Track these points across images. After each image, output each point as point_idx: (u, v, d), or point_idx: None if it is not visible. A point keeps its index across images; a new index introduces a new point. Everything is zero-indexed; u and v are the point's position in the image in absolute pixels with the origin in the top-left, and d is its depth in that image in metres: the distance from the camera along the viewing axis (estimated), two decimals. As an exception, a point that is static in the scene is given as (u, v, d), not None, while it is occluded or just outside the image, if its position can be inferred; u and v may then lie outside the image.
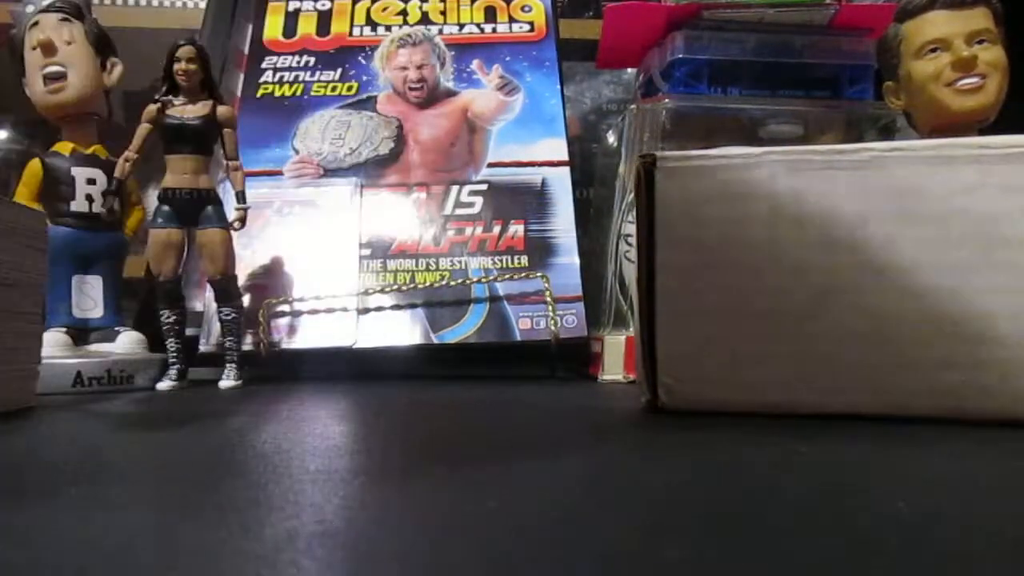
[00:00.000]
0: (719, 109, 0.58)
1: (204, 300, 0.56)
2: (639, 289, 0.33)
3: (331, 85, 0.65)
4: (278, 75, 0.66)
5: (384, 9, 0.69)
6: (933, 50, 0.49)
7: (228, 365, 0.50)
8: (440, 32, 0.68)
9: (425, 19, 0.69)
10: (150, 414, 0.37)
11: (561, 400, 0.42)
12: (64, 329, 0.49)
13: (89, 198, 0.51)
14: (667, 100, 0.57)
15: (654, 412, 0.33)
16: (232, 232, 0.50)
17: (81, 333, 0.50)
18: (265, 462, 0.22)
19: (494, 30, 0.68)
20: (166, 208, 0.49)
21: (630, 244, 0.52)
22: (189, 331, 0.52)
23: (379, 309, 0.56)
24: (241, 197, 0.51)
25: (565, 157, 0.61)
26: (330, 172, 0.61)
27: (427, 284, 0.56)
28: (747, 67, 0.58)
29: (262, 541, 0.14)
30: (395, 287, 0.56)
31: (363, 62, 0.66)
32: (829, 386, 0.30)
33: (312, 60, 0.67)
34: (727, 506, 0.17)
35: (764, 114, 0.58)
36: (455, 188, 0.60)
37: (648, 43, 0.61)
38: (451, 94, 0.65)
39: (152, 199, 0.52)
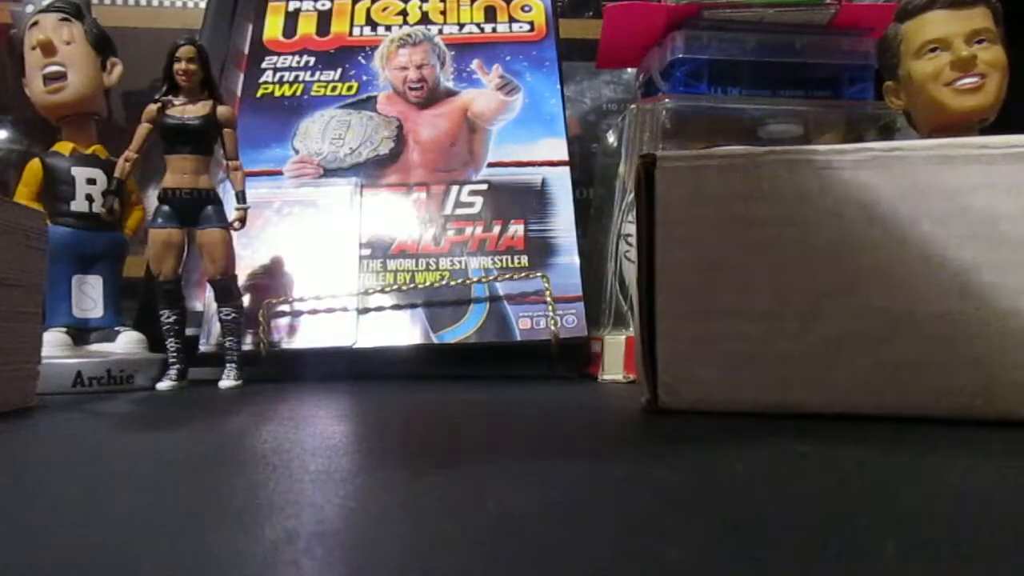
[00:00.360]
0: (719, 109, 0.58)
1: (204, 300, 0.56)
2: (639, 289, 0.33)
3: (331, 85, 0.65)
4: (278, 75, 0.66)
5: (384, 9, 0.69)
6: (933, 50, 0.49)
7: (228, 365, 0.50)
8: (440, 32, 0.68)
9: (425, 19, 0.69)
10: (150, 414, 0.37)
11: (561, 400, 0.42)
12: (64, 329, 0.49)
13: (89, 198, 0.51)
14: (667, 100, 0.57)
15: (654, 412, 0.33)
16: (232, 232, 0.50)
17: (81, 333, 0.50)
18: (265, 462, 0.22)
19: (494, 30, 0.68)
20: (166, 208, 0.49)
21: (630, 244, 0.52)
22: (189, 331, 0.52)
23: (379, 309, 0.56)
24: (241, 197, 0.51)
25: (565, 157, 0.61)
26: (330, 172, 0.61)
27: (427, 284, 0.56)
28: (747, 67, 0.58)
29: (262, 541, 0.14)
30: (395, 287, 0.56)
31: (363, 62, 0.66)
32: (829, 386, 0.30)
33: (312, 60, 0.67)
34: (727, 506, 0.17)
35: (764, 114, 0.58)
36: (455, 188, 0.60)
37: (648, 43, 0.61)
38: (451, 94, 0.65)
39: (152, 199, 0.52)
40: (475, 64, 0.66)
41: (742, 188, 0.32)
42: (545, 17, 0.68)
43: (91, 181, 0.51)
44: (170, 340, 0.49)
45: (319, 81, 0.65)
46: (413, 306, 0.56)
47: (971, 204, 0.29)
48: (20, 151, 0.80)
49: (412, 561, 0.13)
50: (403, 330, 0.55)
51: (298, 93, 0.65)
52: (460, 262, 0.57)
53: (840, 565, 0.13)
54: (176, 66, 0.49)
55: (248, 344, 0.53)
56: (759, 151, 0.32)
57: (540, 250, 0.58)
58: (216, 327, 0.53)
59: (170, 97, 0.50)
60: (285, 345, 0.55)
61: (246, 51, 0.67)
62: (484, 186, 0.60)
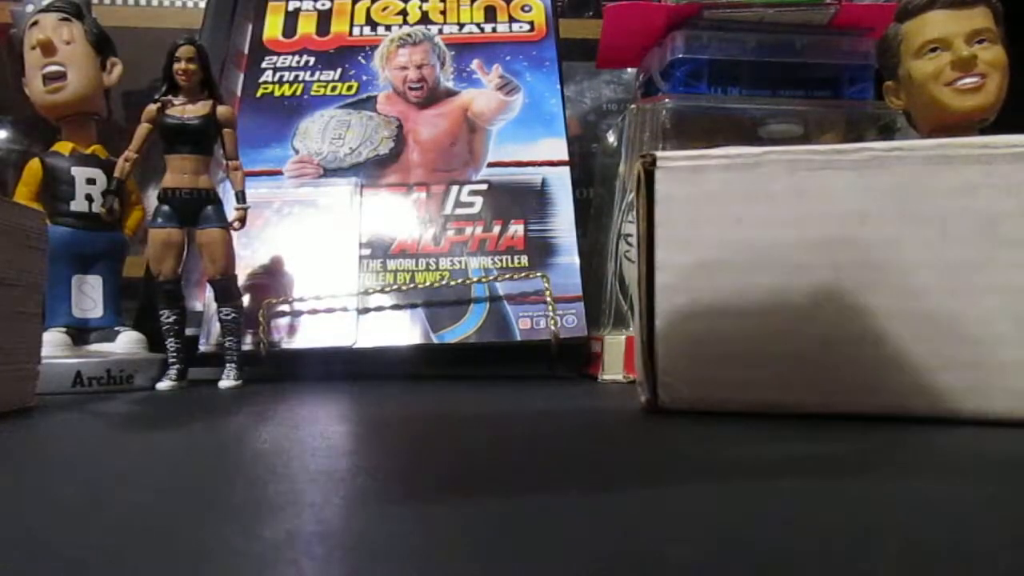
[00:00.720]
0: (719, 109, 0.58)
1: (204, 300, 0.56)
2: (639, 289, 0.33)
3: (331, 85, 0.65)
4: (278, 75, 0.66)
5: (384, 9, 0.69)
6: (933, 50, 0.49)
7: (228, 365, 0.50)
8: (440, 32, 0.68)
9: (425, 19, 0.69)
10: (150, 414, 0.37)
11: (561, 400, 0.42)
12: (64, 329, 0.49)
13: (89, 198, 0.51)
14: (667, 100, 0.57)
15: (654, 412, 0.33)
16: (232, 232, 0.50)
17: (81, 333, 0.50)
18: (265, 462, 0.22)
19: (494, 30, 0.68)
20: (166, 208, 0.49)
21: (630, 244, 0.52)
22: (189, 331, 0.52)
23: (379, 309, 0.56)
24: (241, 197, 0.51)
25: (565, 157, 0.61)
26: (330, 172, 0.61)
27: (427, 284, 0.56)
28: (747, 67, 0.58)
29: (262, 541, 0.14)
30: (395, 287, 0.56)
31: (363, 62, 0.66)
32: (829, 386, 0.30)
33: (312, 60, 0.67)
34: (727, 506, 0.17)
35: (764, 114, 0.58)
36: (455, 188, 0.60)
37: (648, 43, 0.61)
38: (451, 94, 0.65)
39: (152, 199, 0.52)
40: (475, 64, 0.66)
41: (742, 188, 0.32)
42: (545, 17, 0.68)
43: (91, 181, 0.51)
44: (170, 340, 0.49)
45: (319, 81, 0.65)
46: (413, 306, 0.56)
47: (971, 204, 0.29)
48: (20, 151, 0.80)
49: (412, 561, 0.13)
50: (403, 330, 0.55)
51: (298, 93, 0.65)
52: (460, 262, 0.57)
53: (840, 564, 0.13)
54: (176, 66, 0.49)
55: (248, 344, 0.53)
56: (759, 151, 0.32)
57: (540, 250, 0.58)
58: (216, 327, 0.53)
59: (170, 97, 0.50)
60: (285, 345, 0.54)
61: (246, 51, 0.67)
62: (484, 186, 0.60)
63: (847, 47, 0.58)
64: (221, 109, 0.50)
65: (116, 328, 0.52)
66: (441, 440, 0.28)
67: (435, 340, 0.54)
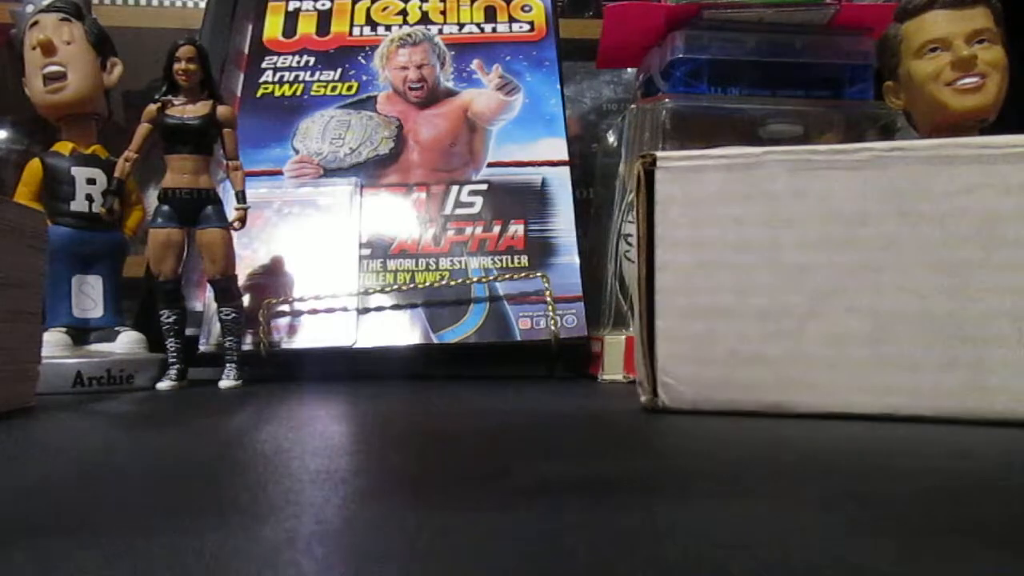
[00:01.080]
0: (719, 109, 0.58)
1: (204, 300, 0.56)
2: (639, 289, 0.33)
3: (331, 85, 0.65)
4: (278, 75, 0.66)
5: (384, 9, 0.69)
6: (933, 50, 0.49)
7: (228, 365, 0.50)
8: (440, 32, 0.68)
9: (425, 19, 0.69)
10: (150, 414, 0.37)
11: (561, 400, 0.42)
12: (64, 329, 0.49)
13: (89, 198, 0.51)
14: (667, 100, 0.57)
15: (654, 412, 0.33)
16: (232, 232, 0.50)
17: (81, 333, 0.50)
18: (265, 462, 0.22)
19: (494, 30, 0.68)
20: (166, 208, 0.49)
21: (630, 244, 0.52)
22: (189, 331, 0.52)
23: (379, 309, 0.56)
24: (241, 197, 0.51)
25: (565, 157, 0.61)
26: (330, 172, 0.61)
27: (427, 284, 0.56)
28: (747, 67, 0.58)
29: (262, 541, 0.14)
30: (395, 287, 0.56)
31: (363, 62, 0.66)
32: (829, 386, 0.30)
33: (312, 60, 0.66)
34: (726, 506, 0.17)
35: (764, 114, 0.58)
36: (455, 188, 0.60)
37: (648, 43, 0.61)
38: (451, 94, 0.65)
39: (152, 199, 0.52)
40: (475, 64, 0.66)
41: (742, 188, 0.32)
42: (545, 17, 0.68)
43: (91, 181, 0.51)
44: (170, 340, 0.49)
45: (319, 81, 0.65)
46: (413, 306, 0.56)
47: (971, 204, 0.29)
48: (20, 151, 0.80)
49: (413, 561, 0.13)
50: (403, 330, 0.55)
51: (298, 93, 0.65)
52: (460, 262, 0.57)
53: (839, 564, 0.13)
54: (176, 66, 0.49)
55: (248, 344, 0.53)
56: (759, 151, 0.32)
57: (540, 250, 0.58)
58: (216, 327, 0.53)
59: (170, 97, 0.50)
60: (285, 345, 0.54)
61: (246, 51, 0.67)
62: (484, 186, 0.60)
63: (847, 47, 0.58)
64: (221, 109, 0.50)
65: (116, 328, 0.52)
66: (441, 440, 0.28)
67: (435, 340, 0.54)
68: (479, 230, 0.59)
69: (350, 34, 0.68)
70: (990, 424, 0.28)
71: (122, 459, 0.25)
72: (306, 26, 0.68)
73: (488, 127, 0.63)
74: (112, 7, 0.85)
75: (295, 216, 0.59)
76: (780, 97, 0.58)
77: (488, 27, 0.68)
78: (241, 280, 0.53)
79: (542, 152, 0.61)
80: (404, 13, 0.69)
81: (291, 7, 0.69)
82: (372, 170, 0.61)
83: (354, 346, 0.54)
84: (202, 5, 0.74)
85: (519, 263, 0.57)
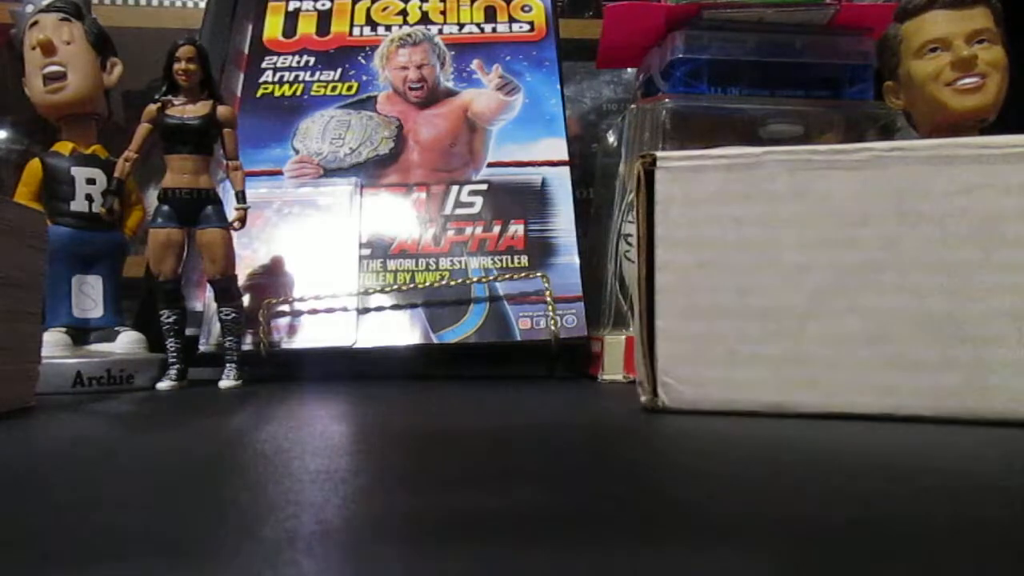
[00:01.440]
0: (719, 109, 0.58)
1: (204, 300, 0.56)
2: (639, 289, 0.33)
3: (331, 85, 0.65)
4: (278, 75, 0.66)
5: (384, 9, 0.69)
6: (933, 50, 0.49)
7: (228, 365, 0.50)
8: (440, 32, 0.68)
9: (425, 19, 0.69)
10: (150, 414, 0.37)
11: (561, 400, 0.42)
12: (64, 329, 0.49)
13: (89, 198, 0.51)
14: (667, 100, 0.57)
15: (654, 412, 0.33)
16: (232, 232, 0.50)
17: (81, 333, 0.50)
18: (265, 462, 0.22)
19: (494, 30, 0.68)
20: (166, 208, 0.49)
21: (630, 244, 0.52)
22: (189, 331, 0.52)
23: (379, 309, 0.56)
24: (241, 197, 0.51)
25: (565, 157, 0.61)
26: (330, 172, 0.61)
27: (427, 284, 0.56)
28: (747, 67, 0.58)
29: (262, 541, 0.14)
30: (395, 287, 0.56)
31: (363, 62, 0.66)
32: (829, 386, 0.30)
33: (312, 60, 0.66)
34: (725, 506, 0.17)
35: (764, 114, 0.58)
36: (455, 188, 0.60)
37: (648, 43, 0.61)
38: (451, 94, 0.65)
39: (152, 199, 0.52)
40: (475, 64, 0.66)
41: (742, 188, 0.32)
42: (545, 17, 0.68)
43: (91, 181, 0.51)
44: (170, 340, 0.49)
45: (319, 81, 0.65)
46: (413, 306, 0.56)
47: (971, 204, 0.29)
48: (20, 151, 0.80)
49: (413, 561, 0.13)
50: (403, 330, 0.55)
51: (298, 93, 0.65)
52: (460, 262, 0.57)
53: (839, 564, 0.13)
54: (176, 66, 0.49)
55: (248, 344, 0.53)
56: (759, 151, 0.32)
57: (540, 250, 0.58)
58: (216, 327, 0.53)
59: (170, 97, 0.50)
60: (285, 345, 0.54)
61: (246, 51, 0.67)
62: (484, 186, 0.60)
63: (847, 47, 0.58)
64: (221, 109, 0.50)
65: (116, 328, 0.52)
66: (441, 440, 0.28)
67: (435, 340, 0.54)
68: (479, 230, 0.59)
69: (350, 34, 0.68)
70: (990, 424, 0.28)
71: (122, 459, 0.25)
72: (306, 26, 0.68)
73: (488, 127, 0.63)
74: (112, 7, 0.85)
75: (295, 216, 0.59)
76: (780, 97, 0.58)
77: (488, 27, 0.68)
78: (241, 280, 0.53)
79: (542, 152, 0.61)
80: (404, 13, 0.69)
81: (291, 7, 0.69)
82: (372, 170, 0.61)
83: (354, 346, 0.54)
84: (202, 5, 0.74)
85: (519, 263, 0.57)
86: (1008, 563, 0.13)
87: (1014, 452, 0.24)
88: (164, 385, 0.47)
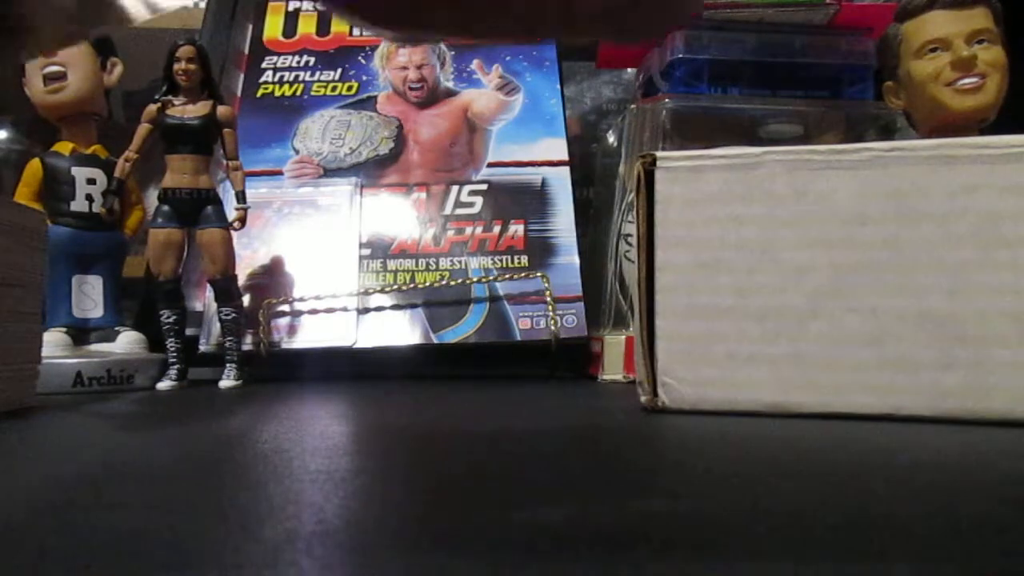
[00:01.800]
0: (719, 109, 0.58)
1: (204, 300, 0.56)
2: (639, 289, 0.33)
3: (331, 85, 0.65)
4: (278, 75, 0.66)
5: (384, 9, 0.69)
6: (933, 50, 0.49)
7: (228, 365, 0.50)
8: (440, 32, 0.67)
9: (425, 19, 0.68)
10: (150, 414, 0.37)
11: (560, 400, 0.42)
12: (64, 329, 0.49)
13: (89, 198, 0.51)
14: (667, 100, 0.57)
15: (654, 412, 0.33)
16: (232, 232, 0.50)
17: (81, 333, 0.50)
18: (265, 462, 0.22)
19: (494, 30, 0.68)
20: (166, 208, 0.49)
21: (630, 244, 0.52)
22: (189, 331, 0.52)
23: (379, 309, 0.56)
24: (241, 197, 0.51)
25: (565, 157, 0.61)
26: (330, 172, 0.61)
27: (427, 284, 0.56)
28: (747, 67, 0.58)
29: (262, 541, 0.14)
30: (395, 287, 0.56)
31: (363, 62, 0.66)
32: (829, 386, 0.30)
33: (312, 60, 0.67)
34: (726, 505, 0.17)
35: (764, 114, 0.58)
36: (455, 188, 0.60)
37: (648, 43, 0.61)
38: (451, 94, 0.65)
39: (152, 199, 0.52)
40: (475, 64, 0.66)
41: (742, 188, 0.32)
42: (545, 17, 0.68)
43: (91, 181, 0.51)
44: (170, 340, 0.49)
45: (319, 81, 0.65)
46: (413, 306, 0.56)
47: (971, 204, 0.29)
48: (20, 151, 0.80)
49: (413, 561, 0.13)
50: (403, 330, 0.55)
51: (298, 93, 0.65)
52: (460, 262, 0.57)
53: (840, 564, 0.13)
54: (176, 66, 0.49)
55: (248, 344, 0.53)
56: (759, 151, 0.32)
57: (540, 250, 0.58)
58: (216, 327, 0.53)
59: (170, 97, 0.50)
60: (285, 345, 0.54)
61: (246, 51, 0.67)
62: (484, 186, 0.60)
63: (847, 47, 0.58)
64: (221, 109, 0.50)
65: (116, 328, 0.52)
66: (441, 440, 0.28)
67: (435, 340, 0.54)
68: (479, 230, 0.59)
69: (350, 34, 0.68)
70: (990, 424, 0.28)
71: (122, 459, 0.25)
72: (306, 26, 0.68)
73: (488, 127, 0.63)
74: (112, 7, 0.85)
75: (295, 216, 0.59)
76: (780, 97, 0.58)
77: (488, 27, 0.68)
78: (241, 280, 0.53)
79: (542, 152, 0.61)
80: (404, 13, 0.69)
81: (291, 7, 0.69)
82: (372, 170, 0.61)
83: (354, 346, 0.54)
84: (202, 5, 0.74)
85: (519, 263, 0.57)
86: (1008, 563, 0.13)
87: (1014, 452, 0.24)
88: (164, 385, 0.47)
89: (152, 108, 0.50)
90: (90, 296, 0.51)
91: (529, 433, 0.30)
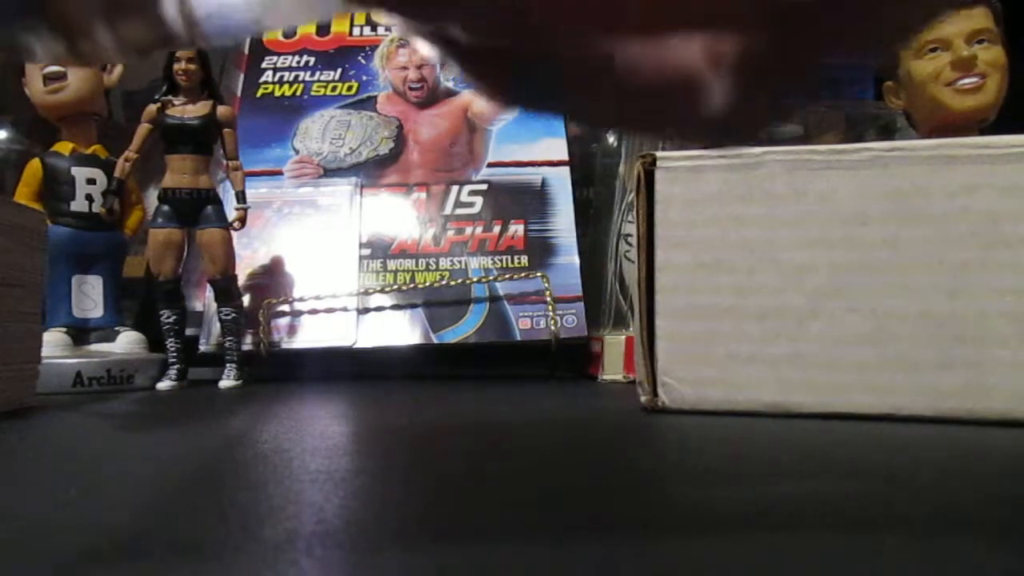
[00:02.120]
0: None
1: (204, 300, 0.56)
2: (639, 289, 0.33)
3: (331, 85, 0.65)
4: (278, 75, 0.66)
5: (384, 9, 0.69)
6: (933, 49, 0.49)
7: (228, 365, 0.50)
8: (440, 32, 0.67)
9: (425, 19, 0.68)
10: (150, 414, 0.37)
11: (560, 400, 0.42)
12: (64, 329, 0.49)
13: (89, 198, 0.51)
14: (667, 100, 0.56)
15: (654, 412, 0.33)
16: (232, 232, 0.50)
17: (81, 333, 0.50)
18: (265, 462, 0.22)
19: (494, 30, 0.68)
20: (166, 208, 0.49)
21: (630, 244, 0.52)
22: (189, 331, 0.52)
23: (379, 309, 0.56)
24: (241, 197, 0.51)
25: (565, 157, 0.61)
26: (330, 172, 0.61)
27: (427, 284, 0.56)
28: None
29: (262, 541, 0.14)
30: (395, 287, 0.56)
31: (363, 62, 0.66)
32: (829, 386, 0.30)
33: (312, 60, 0.66)
34: (725, 506, 0.17)
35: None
36: (455, 188, 0.60)
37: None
38: (451, 94, 0.65)
39: (152, 199, 0.52)
40: (475, 64, 0.66)
41: (742, 188, 0.32)
42: (545, 17, 0.68)
43: (91, 181, 0.51)
44: (170, 340, 0.49)
45: (319, 81, 0.65)
46: (413, 306, 0.56)
47: (971, 204, 0.29)
48: (20, 151, 0.80)
49: (413, 561, 0.13)
50: (403, 330, 0.55)
51: (298, 93, 0.65)
52: (460, 262, 0.57)
53: (838, 565, 0.13)
54: (176, 66, 0.49)
55: (248, 344, 0.53)
56: (759, 151, 0.32)
57: (540, 250, 0.58)
58: (216, 327, 0.53)
59: (170, 97, 0.50)
60: (285, 345, 0.54)
61: (246, 51, 0.67)
62: (484, 186, 0.60)
63: (847, 47, 0.58)
64: (221, 109, 0.50)
65: (116, 328, 0.52)
66: (441, 440, 0.28)
67: (435, 340, 0.54)
68: (479, 230, 0.59)
69: (350, 34, 0.68)
70: (990, 424, 0.28)
71: (121, 459, 0.25)
72: (306, 26, 0.68)
73: (488, 127, 0.63)
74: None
75: (295, 216, 0.59)
76: (780, 97, 0.58)
77: (488, 27, 0.68)
78: (241, 280, 0.53)
79: (542, 152, 0.61)
80: (404, 13, 0.69)
81: (291, 7, 0.69)
82: (372, 170, 0.61)
83: (354, 346, 0.54)
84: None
85: (519, 263, 0.57)
86: (1008, 563, 0.13)
87: (1014, 452, 0.24)
88: (164, 385, 0.47)
89: (152, 108, 0.50)
90: (90, 296, 0.51)
91: (529, 433, 0.30)
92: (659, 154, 0.33)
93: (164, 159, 0.50)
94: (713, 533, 0.15)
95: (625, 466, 0.23)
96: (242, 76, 0.66)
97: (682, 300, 0.32)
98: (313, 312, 0.56)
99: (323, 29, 0.68)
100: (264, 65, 0.66)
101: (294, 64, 0.66)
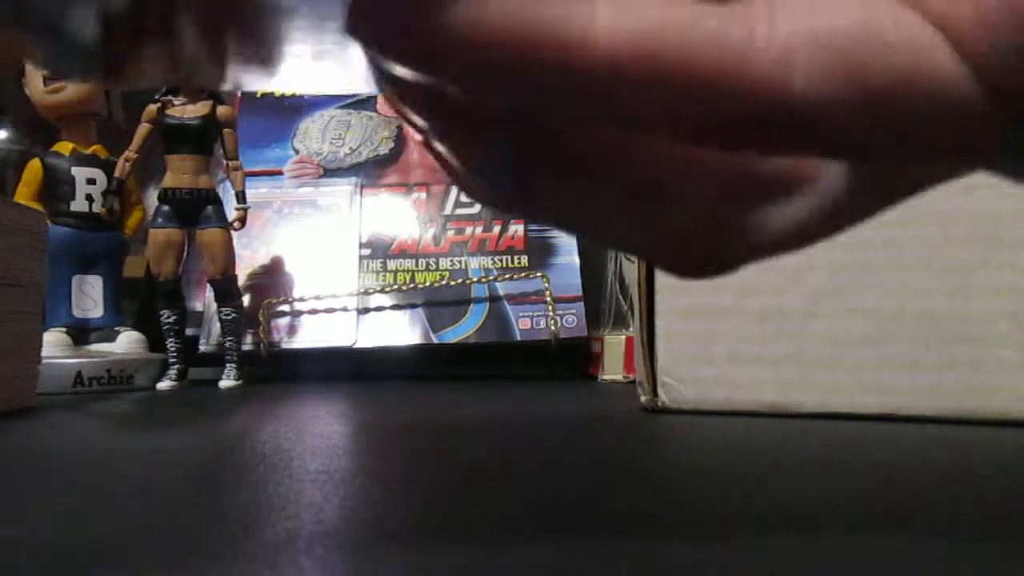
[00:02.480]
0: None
1: (204, 300, 0.56)
2: (639, 289, 0.33)
3: (331, 85, 0.65)
4: (278, 75, 0.66)
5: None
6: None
7: (228, 365, 0.50)
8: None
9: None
10: (150, 414, 0.37)
11: (560, 400, 0.42)
12: (64, 329, 0.49)
13: (89, 198, 0.51)
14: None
15: (654, 412, 0.33)
16: (232, 232, 0.51)
17: (81, 333, 0.50)
18: (265, 462, 0.22)
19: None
20: (166, 208, 0.49)
21: (630, 244, 0.52)
22: (189, 331, 0.52)
23: (379, 309, 0.56)
24: (241, 197, 0.51)
25: (565, 157, 0.61)
26: (330, 172, 0.61)
27: (427, 284, 0.56)
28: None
29: (262, 541, 0.14)
30: (395, 287, 0.56)
31: (363, 62, 0.66)
32: (829, 386, 0.30)
33: (312, 60, 0.66)
34: (725, 506, 0.17)
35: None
36: (455, 188, 0.60)
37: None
38: (451, 94, 0.65)
39: (152, 199, 0.52)
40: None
41: (742, 188, 0.32)
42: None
43: (91, 181, 0.51)
44: (170, 340, 0.49)
45: (319, 81, 0.65)
46: (413, 306, 0.56)
47: (971, 204, 0.29)
48: (20, 151, 0.80)
49: (412, 561, 0.13)
50: (403, 330, 0.55)
51: (298, 93, 0.65)
52: (460, 262, 0.57)
53: (840, 565, 0.13)
54: (176, 66, 0.49)
55: (248, 344, 0.53)
56: (759, 151, 0.32)
57: (540, 250, 0.58)
58: (216, 327, 0.53)
59: (170, 97, 0.50)
60: (285, 345, 0.54)
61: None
62: (484, 186, 0.60)
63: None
64: (221, 109, 0.50)
65: (116, 328, 0.52)
66: (441, 440, 0.28)
67: (435, 340, 0.54)
68: (479, 230, 0.59)
69: (350, 34, 0.68)
70: (990, 424, 0.28)
71: (121, 459, 0.25)
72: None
73: (488, 127, 0.63)
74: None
75: (295, 216, 0.59)
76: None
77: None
78: (241, 280, 0.53)
79: (542, 152, 0.61)
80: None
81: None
82: (372, 170, 0.61)
83: (354, 346, 0.54)
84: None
85: (519, 263, 0.57)
86: (1008, 563, 0.13)
87: (1014, 452, 0.24)
88: (164, 385, 0.47)
89: (152, 108, 0.50)
90: (90, 296, 0.51)
91: (528, 433, 0.30)
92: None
93: (164, 159, 0.50)
94: (713, 533, 0.15)
95: (625, 466, 0.23)
96: (242, 76, 0.66)
97: (682, 300, 0.32)
98: (313, 312, 0.56)
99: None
100: (264, 65, 0.66)
101: (294, 64, 0.66)
